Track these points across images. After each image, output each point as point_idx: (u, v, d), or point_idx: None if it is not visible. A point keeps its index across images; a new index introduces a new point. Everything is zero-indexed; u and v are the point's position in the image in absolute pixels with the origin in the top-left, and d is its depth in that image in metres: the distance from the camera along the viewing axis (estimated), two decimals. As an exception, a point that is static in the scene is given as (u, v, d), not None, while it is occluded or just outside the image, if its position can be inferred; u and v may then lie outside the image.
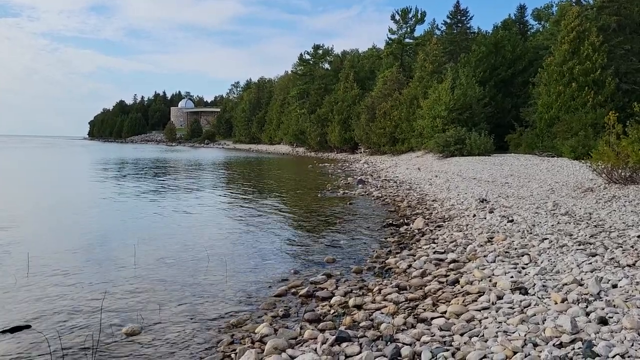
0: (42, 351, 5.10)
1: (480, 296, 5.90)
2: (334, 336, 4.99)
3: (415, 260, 8.13)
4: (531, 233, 8.78)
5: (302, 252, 9.68)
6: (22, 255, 8.60)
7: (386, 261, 8.49)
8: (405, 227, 11.60)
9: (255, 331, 5.53)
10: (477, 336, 4.70)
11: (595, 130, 24.80)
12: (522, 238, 8.49)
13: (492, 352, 4.22)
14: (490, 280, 6.44)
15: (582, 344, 4.05)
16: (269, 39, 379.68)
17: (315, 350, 4.84)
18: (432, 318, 5.43)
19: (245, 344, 5.21)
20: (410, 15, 54.61)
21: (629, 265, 6.12)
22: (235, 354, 4.99)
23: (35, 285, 7.29)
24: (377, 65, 63.84)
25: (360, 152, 53.55)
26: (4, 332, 5.59)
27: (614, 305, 4.81)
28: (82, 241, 10.69)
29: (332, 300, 6.49)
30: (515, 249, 7.88)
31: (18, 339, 5.42)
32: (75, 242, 10.55)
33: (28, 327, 5.72)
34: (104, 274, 7.99)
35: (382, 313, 5.79)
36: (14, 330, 5.63)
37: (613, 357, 3.79)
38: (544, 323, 4.66)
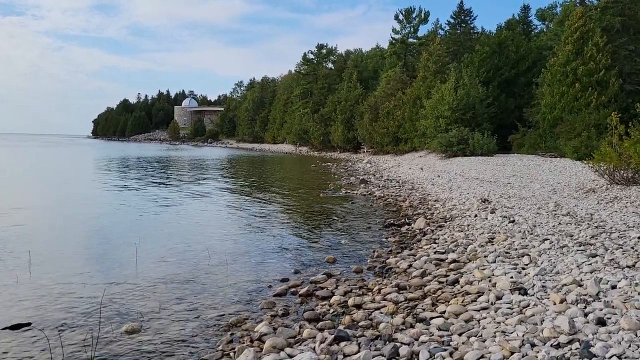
0: (42, 349, 5.13)
1: (479, 296, 5.90)
2: (333, 335, 5.00)
3: (415, 260, 8.13)
4: (532, 234, 8.77)
5: (302, 251, 9.70)
6: (24, 253, 8.64)
7: (387, 261, 8.50)
8: (406, 227, 11.61)
9: (255, 330, 5.54)
10: (475, 336, 4.70)
11: (599, 131, 24.72)
12: (523, 238, 8.48)
13: (490, 352, 4.23)
14: (490, 281, 6.44)
15: (580, 344, 4.05)
16: (273, 38, 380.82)
17: (314, 349, 4.85)
18: (431, 318, 5.43)
19: (244, 343, 5.22)
20: (413, 15, 54.67)
21: (628, 267, 6.11)
22: (234, 352, 5.01)
23: (37, 283, 7.33)
24: (380, 64, 63.89)
25: (363, 152, 53.56)
26: (4, 329, 5.62)
27: (613, 306, 4.80)
28: (83, 239, 10.74)
29: (332, 300, 6.51)
30: (516, 249, 7.87)
31: (18, 337, 5.45)
32: (77, 240, 10.60)
33: (28, 324, 5.76)
34: (105, 272, 8.03)
35: (381, 312, 5.80)
36: (15, 327, 5.67)
37: (610, 357, 3.78)
38: (542, 323, 4.66)
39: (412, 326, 5.28)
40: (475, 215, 11.40)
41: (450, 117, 34.77)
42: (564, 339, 4.22)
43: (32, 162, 41.77)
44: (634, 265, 6.12)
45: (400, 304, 6.08)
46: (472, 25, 49.59)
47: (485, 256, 7.69)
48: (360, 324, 5.51)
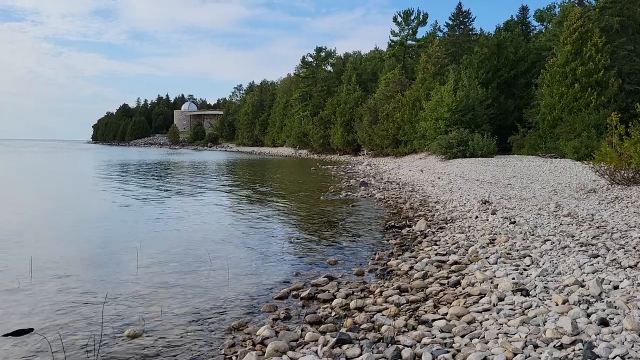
0: (44, 354, 5.11)
1: (481, 298, 5.89)
2: (335, 338, 4.99)
3: (417, 262, 8.12)
4: (533, 234, 8.77)
5: (304, 254, 9.69)
6: (26, 259, 8.63)
7: (388, 263, 8.48)
8: (407, 229, 11.60)
9: (257, 333, 5.53)
10: (477, 338, 4.70)
11: (599, 131, 24.76)
12: (524, 239, 8.47)
13: (493, 354, 4.22)
14: (491, 282, 6.43)
15: (583, 345, 4.05)
16: (272, 41, 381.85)
17: (316, 352, 4.84)
18: (433, 320, 5.42)
19: (246, 347, 5.22)
20: (412, 17, 54.76)
21: (630, 267, 6.10)
22: (237, 356, 5.00)
23: (38, 288, 7.32)
24: (379, 67, 63.99)
25: (363, 154, 53.58)
26: (7, 335, 5.61)
27: (615, 307, 4.80)
28: (85, 244, 10.73)
29: (334, 303, 6.49)
30: (517, 250, 7.87)
31: (21, 342, 5.44)
32: (78, 246, 10.59)
33: (30, 330, 5.74)
34: (106, 277, 8.02)
35: (383, 315, 5.79)
36: (17, 333, 5.65)
37: (613, 358, 3.78)
38: (544, 324, 4.66)
39: (414, 328, 5.27)
40: (476, 217, 11.40)
41: (449, 119, 34.81)
42: (567, 339, 4.21)
43: (32, 167, 41.76)
44: (636, 265, 6.12)
45: (402, 306, 6.07)
46: (470, 27, 49.73)
47: (486, 257, 7.68)
48: (362, 326, 5.49)
